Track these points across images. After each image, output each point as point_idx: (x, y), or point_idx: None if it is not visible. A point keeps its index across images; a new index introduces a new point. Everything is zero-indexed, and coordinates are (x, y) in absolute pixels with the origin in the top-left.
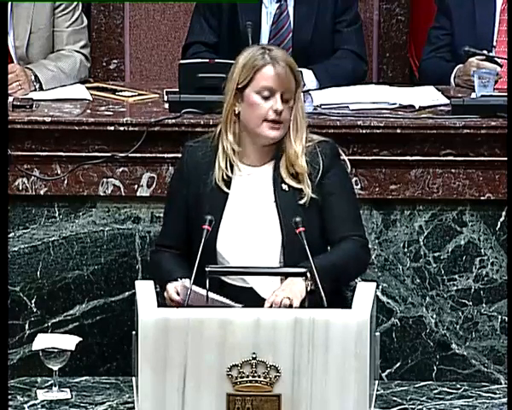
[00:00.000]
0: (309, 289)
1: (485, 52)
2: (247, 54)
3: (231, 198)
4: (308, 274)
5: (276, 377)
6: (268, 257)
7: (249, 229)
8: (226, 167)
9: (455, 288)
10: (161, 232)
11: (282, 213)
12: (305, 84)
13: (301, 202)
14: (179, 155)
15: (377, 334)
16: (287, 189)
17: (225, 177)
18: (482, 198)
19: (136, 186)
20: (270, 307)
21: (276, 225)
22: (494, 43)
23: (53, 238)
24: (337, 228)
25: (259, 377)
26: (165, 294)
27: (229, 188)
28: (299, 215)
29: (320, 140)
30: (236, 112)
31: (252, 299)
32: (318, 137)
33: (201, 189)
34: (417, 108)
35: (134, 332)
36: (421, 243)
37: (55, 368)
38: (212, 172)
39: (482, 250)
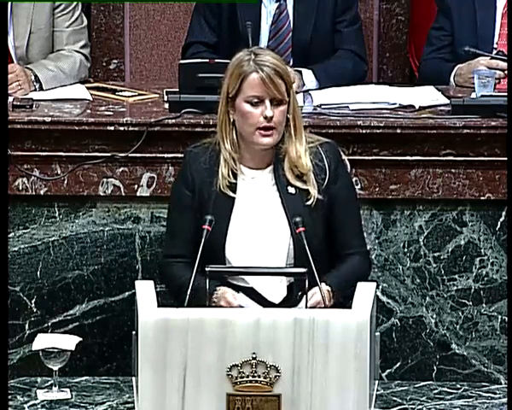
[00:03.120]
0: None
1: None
2: (234, 61)
3: (238, 203)
4: (330, 291)
5: (276, 377)
6: (276, 261)
7: (257, 233)
8: (229, 175)
9: (455, 288)
10: (168, 242)
11: (290, 216)
12: (304, 84)
13: (308, 203)
14: (179, 156)
15: (377, 334)
16: (293, 192)
17: (229, 183)
18: (482, 198)
19: (136, 186)
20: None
21: (285, 229)
22: (495, 46)
23: (53, 238)
24: (345, 242)
25: (259, 377)
26: (219, 298)
27: (234, 192)
28: (305, 217)
29: (322, 141)
30: (231, 120)
31: (253, 299)
32: (319, 137)
33: (206, 195)
34: (417, 108)
35: (134, 332)
36: (421, 243)
37: (55, 368)
38: (215, 178)
39: (482, 250)
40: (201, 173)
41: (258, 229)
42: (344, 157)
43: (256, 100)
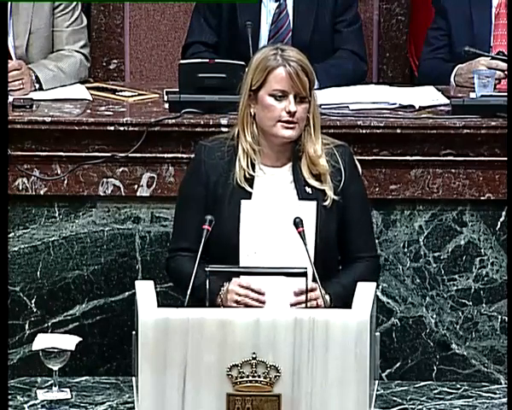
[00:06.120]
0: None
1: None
2: (259, 55)
3: (255, 198)
4: (327, 295)
5: (276, 377)
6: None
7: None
8: (248, 166)
9: (455, 288)
10: (177, 235)
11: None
12: None
13: (325, 203)
14: (179, 156)
15: (377, 334)
16: (311, 192)
17: (248, 176)
18: (482, 198)
19: (136, 186)
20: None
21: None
22: (491, 44)
23: (53, 238)
24: (356, 245)
25: (259, 377)
26: (229, 294)
27: (252, 187)
28: (322, 217)
29: (336, 144)
30: (252, 113)
31: None
32: (333, 139)
33: (221, 190)
34: (417, 108)
35: (134, 332)
36: (421, 243)
37: (55, 368)
38: (232, 172)
39: (482, 250)
40: (217, 168)
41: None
42: (356, 161)
43: (280, 94)
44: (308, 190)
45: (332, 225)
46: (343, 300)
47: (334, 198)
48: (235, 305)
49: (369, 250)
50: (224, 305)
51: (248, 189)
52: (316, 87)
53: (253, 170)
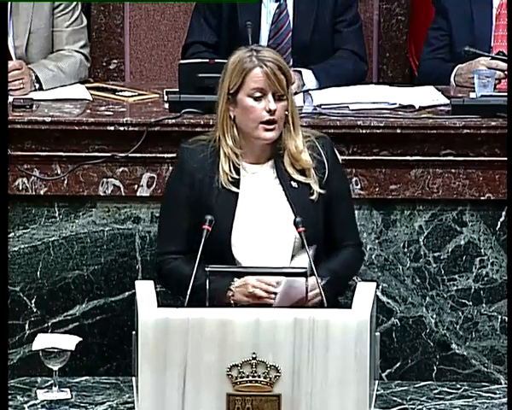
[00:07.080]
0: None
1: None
2: (234, 58)
3: (241, 198)
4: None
5: (276, 377)
6: (283, 253)
7: (263, 227)
8: (230, 170)
9: (455, 288)
10: (165, 238)
11: (296, 211)
12: (304, 84)
13: (312, 197)
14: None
15: (377, 334)
16: (296, 186)
17: (231, 179)
18: (482, 198)
19: (136, 186)
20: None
21: (291, 222)
22: (491, 45)
23: (53, 238)
24: (341, 235)
25: (259, 377)
26: (245, 289)
27: (238, 188)
28: (308, 210)
29: (317, 135)
30: (232, 116)
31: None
32: (313, 131)
33: (207, 191)
34: (417, 108)
35: (134, 332)
36: (421, 243)
37: (55, 368)
38: (216, 174)
39: (482, 250)
40: (202, 169)
41: (264, 223)
42: (337, 152)
43: (259, 94)
44: (294, 184)
45: (319, 217)
46: (330, 284)
47: (320, 192)
48: (246, 299)
49: (352, 238)
50: (234, 300)
51: (234, 189)
52: (316, 87)
53: (237, 173)
